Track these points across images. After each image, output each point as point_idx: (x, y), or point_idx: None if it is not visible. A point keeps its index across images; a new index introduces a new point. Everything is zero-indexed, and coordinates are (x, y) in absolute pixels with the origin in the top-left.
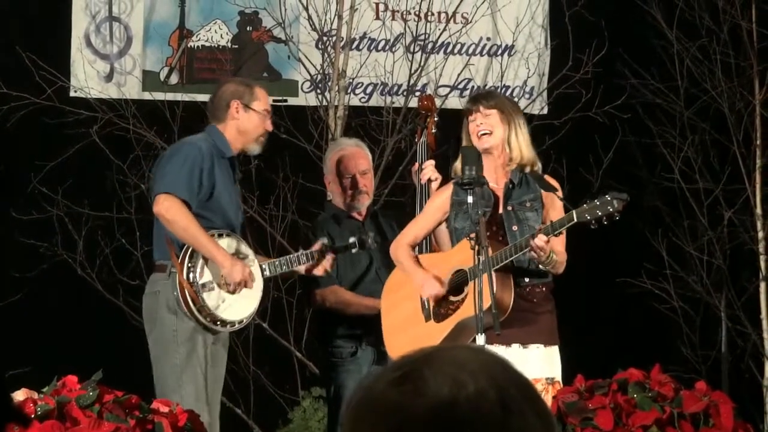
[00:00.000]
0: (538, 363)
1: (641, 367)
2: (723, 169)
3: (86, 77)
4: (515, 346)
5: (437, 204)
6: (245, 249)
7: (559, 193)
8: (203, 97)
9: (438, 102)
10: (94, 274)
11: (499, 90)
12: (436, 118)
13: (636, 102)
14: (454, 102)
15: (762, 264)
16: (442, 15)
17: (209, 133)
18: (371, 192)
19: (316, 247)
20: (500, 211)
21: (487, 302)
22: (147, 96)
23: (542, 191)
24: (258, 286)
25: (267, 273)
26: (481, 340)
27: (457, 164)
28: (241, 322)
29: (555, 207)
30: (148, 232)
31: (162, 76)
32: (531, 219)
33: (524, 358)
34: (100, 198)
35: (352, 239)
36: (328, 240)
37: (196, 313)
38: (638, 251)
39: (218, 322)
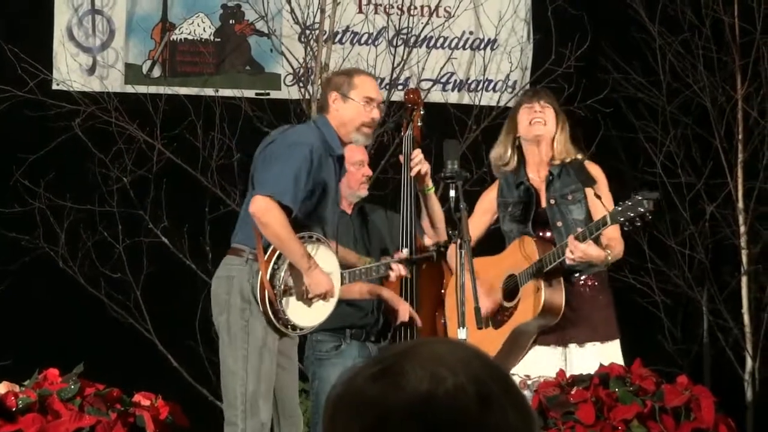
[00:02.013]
0: (595, 361)
1: (623, 360)
2: (705, 163)
3: (69, 70)
4: (572, 346)
5: (484, 207)
6: (331, 256)
7: (599, 184)
8: (186, 90)
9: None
10: (75, 267)
11: (481, 84)
12: (422, 112)
13: (618, 96)
14: (437, 96)
15: (744, 258)
16: (425, 9)
17: (320, 126)
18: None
19: (399, 256)
20: (543, 206)
21: (535, 311)
22: (129, 89)
23: (589, 179)
24: (335, 297)
25: (346, 281)
26: (462, 334)
27: (493, 154)
28: (310, 328)
29: (593, 198)
30: (131, 225)
31: (144, 69)
32: (574, 212)
33: (581, 357)
34: (82, 191)
35: (432, 250)
36: (407, 251)
37: (270, 314)
38: None
39: (289, 326)
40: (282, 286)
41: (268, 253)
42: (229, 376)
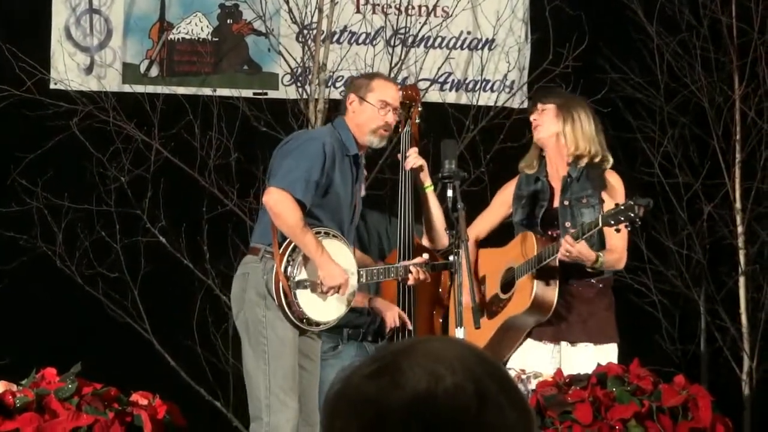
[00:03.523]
0: (586, 361)
1: (620, 360)
2: (703, 163)
3: (66, 69)
4: (564, 344)
5: (501, 199)
6: (347, 254)
7: (613, 192)
8: (183, 90)
9: None
10: (73, 267)
11: (478, 84)
12: (420, 109)
13: (616, 96)
14: (435, 95)
15: (741, 258)
16: (423, 9)
17: (337, 127)
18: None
19: (418, 260)
20: (555, 205)
21: (525, 305)
22: (127, 88)
23: (606, 187)
24: (351, 292)
25: (363, 280)
26: (459, 333)
27: (523, 163)
28: (326, 323)
29: (608, 205)
30: (128, 224)
31: (142, 69)
32: (586, 215)
33: (572, 356)
34: (80, 190)
35: (452, 258)
36: (428, 255)
37: (285, 307)
38: None
39: (304, 320)
40: (296, 278)
41: (283, 246)
42: (252, 371)
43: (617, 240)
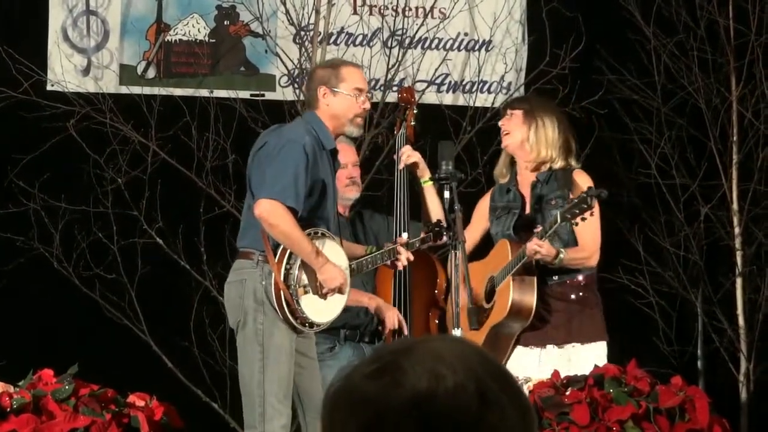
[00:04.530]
0: (576, 363)
1: (617, 362)
2: (700, 165)
3: (63, 71)
4: (550, 347)
5: (479, 213)
6: (338, 249)
7: (577, 190)
8: (180, 92)
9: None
10: (70, 268)
11: (475, 85)
12: (415, 111)
13: (613, 98)
14: (432, 97)
15: (738, 259)
16: (420, 10)
17: (310, 122)
18: (360, 185)
19: (400, 241)
20: (527, 211)
21: (504, 311)
22: (124, 90)
23: (573, 186)
24: (347, 289)
25: (355, 272)
26: (457, 334)
27: (496, 171)
28: (328, 323)
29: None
30: (125, 226)
31: (139, 70)
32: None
33: (560, 359)
34: (77, 192)
35: (430, 228)
36: (408, 235)
37: (288, 315)
38: (615, 247)
39: (307, 324)
40: (296, 286)
41: (278, 254)
42: (247, 379)
43: (587, 238)
